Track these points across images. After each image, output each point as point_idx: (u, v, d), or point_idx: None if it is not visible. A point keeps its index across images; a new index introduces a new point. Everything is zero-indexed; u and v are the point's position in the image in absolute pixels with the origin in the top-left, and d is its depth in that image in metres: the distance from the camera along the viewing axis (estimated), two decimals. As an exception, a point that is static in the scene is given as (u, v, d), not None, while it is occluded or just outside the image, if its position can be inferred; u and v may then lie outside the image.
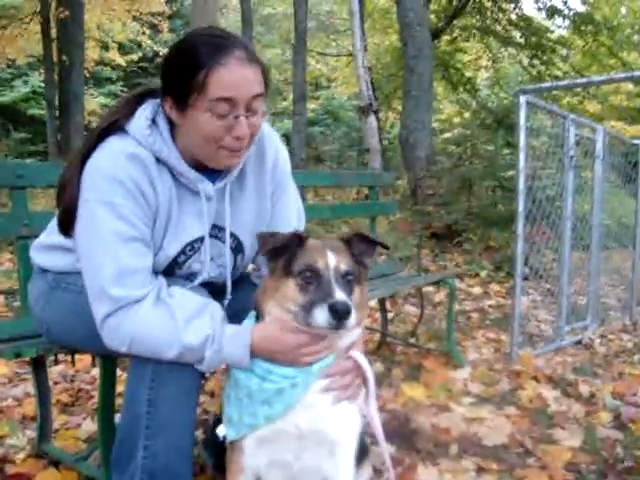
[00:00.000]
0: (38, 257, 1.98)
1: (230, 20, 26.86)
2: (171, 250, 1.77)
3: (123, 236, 1.62)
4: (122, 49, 20.86)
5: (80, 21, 12.75)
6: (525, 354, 3.98)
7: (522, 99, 3.88)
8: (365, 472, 1.92)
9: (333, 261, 1.58)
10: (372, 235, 1.75)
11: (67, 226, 1.72)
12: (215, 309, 1.68)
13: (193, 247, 1.81)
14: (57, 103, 14.98)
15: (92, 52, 18.04)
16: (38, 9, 15.25)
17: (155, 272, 1.74)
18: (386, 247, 1.75)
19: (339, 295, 1.49)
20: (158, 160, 1.70)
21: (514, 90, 4.07)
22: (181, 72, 1.64)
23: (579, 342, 4.63)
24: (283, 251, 1.61)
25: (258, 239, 1.67)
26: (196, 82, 1.61)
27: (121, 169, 1.63)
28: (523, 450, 2.68)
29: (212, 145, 1.68)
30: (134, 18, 17.84)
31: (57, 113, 15.23)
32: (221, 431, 1.67)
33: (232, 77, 1.61)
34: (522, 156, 3.90)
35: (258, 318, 1.68)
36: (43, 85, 17.15)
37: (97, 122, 1.81)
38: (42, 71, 16.88)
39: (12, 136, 19.24)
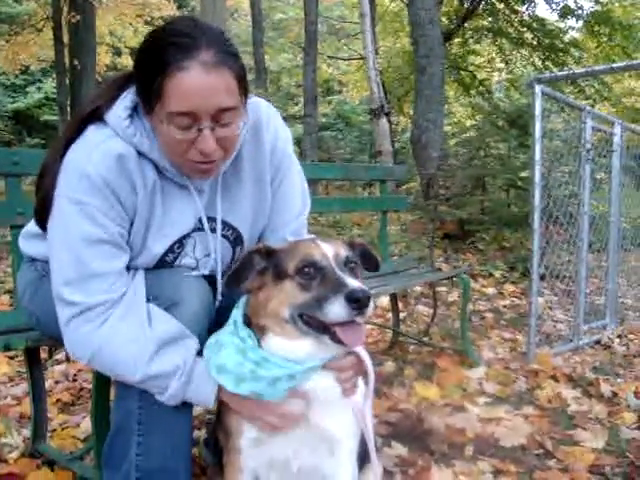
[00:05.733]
0: (26, 245, 1.89)
1: (242, 25, 26.95)
2: (157, 248, 1.64)
3: (90, 238, 1.50)
4: (134, 54, 20.92)
5: (92, 26, 12.73)
6: (543, 353, 3.83)
7: (537, 88, 3.74)
8: (371, 474, 1.79)
9: (330, 250, 1.46)
10: (373, 251, 1.67)
11: (42, 216, 1.60)
12: (190, 342, 1.55)
13: (182, 244, 1.68)
14: (69, 108, 15.01)
15: (104, 57, 18.06)
16: (50, 14, 15.29)
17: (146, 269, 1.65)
18: (376, 269, 1.68)
19: (352, 282, 1.36)
20: (140, 153, 1.56)
21: (528, 80, 3.92)
22: (143, 74, 1.49)
23: (597, 342, 4.49)
24: (253, 270, 1.51)
25: (225, 287, 1.61)
26: (155, 89, 1.43)
27: (92, 164, 1.49)
28: (543, 451, 2.55)
29: (179, 157, 1.53)
30: (146, 22, 17.84)
31: (69, 118, 15.26)
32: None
33: (191, 87, 1.40)
34: (538, 147, 3.76)
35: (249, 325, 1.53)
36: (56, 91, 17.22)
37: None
38: (55, 77, 16.95)
39: (26, 142, 19.39)
